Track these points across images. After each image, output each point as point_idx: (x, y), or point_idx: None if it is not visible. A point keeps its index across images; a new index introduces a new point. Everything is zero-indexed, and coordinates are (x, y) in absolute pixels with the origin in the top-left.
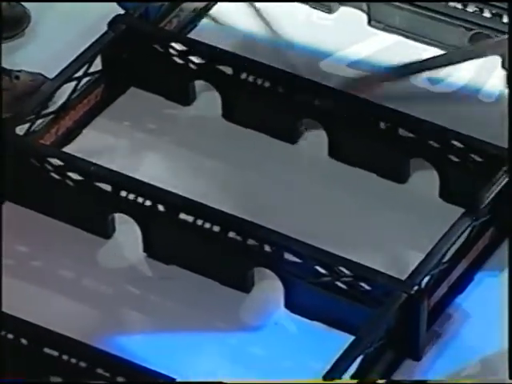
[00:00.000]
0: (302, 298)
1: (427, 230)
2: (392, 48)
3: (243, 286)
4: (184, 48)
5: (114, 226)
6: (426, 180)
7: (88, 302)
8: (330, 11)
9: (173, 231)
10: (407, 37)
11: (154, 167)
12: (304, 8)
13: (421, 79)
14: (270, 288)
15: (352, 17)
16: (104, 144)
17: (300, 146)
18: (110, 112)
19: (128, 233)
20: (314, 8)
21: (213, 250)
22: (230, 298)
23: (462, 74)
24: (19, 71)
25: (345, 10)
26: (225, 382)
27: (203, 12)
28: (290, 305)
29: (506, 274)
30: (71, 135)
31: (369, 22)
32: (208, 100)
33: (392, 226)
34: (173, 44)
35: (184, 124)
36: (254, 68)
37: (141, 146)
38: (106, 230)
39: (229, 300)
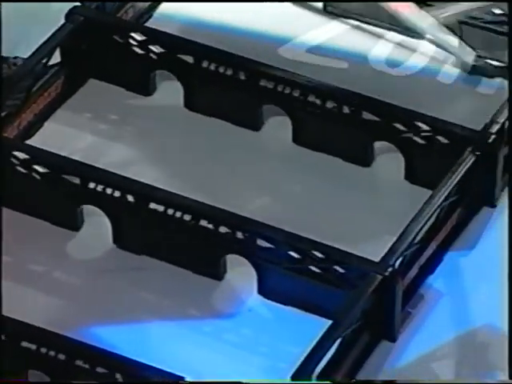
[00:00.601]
0: (275, 283)
1: (394, 212)
2: (350, 33)
3: (215, 274)
4: (144, 38)
5: (82, 218)
6: (390, 163)
7: (60, 295)
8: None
9: (143, 221)
10: (365, 22)
11: (117, 158)
12: None
13: (379, 62)
14: (242, 275)
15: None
16: (66, 136)
17: (264, 132)
18: (71, 104)
19: (97, 224)
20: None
21: (184, 239)
22: (203, 286)
23: (420, 56)
24: (15, 58)
25: None
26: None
27: (157, 3)
28: (264, 291)
29: (474, 253)
30: (33, 128)
31: (324, 8)
32: (169, 89)
33: (360, 210)
34: (132, 34)
35: (146, 114)
36: (215, 56)
37: (103, 137)
38: (74, 223)
39: (201, 288)
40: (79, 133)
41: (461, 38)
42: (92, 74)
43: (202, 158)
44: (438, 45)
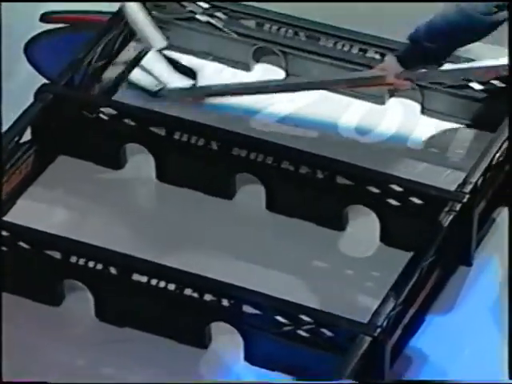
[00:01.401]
0: (262, 349)
1: (373, 273)
2: (318, 102)
3: (201, 343)
4: (114, 112)
5: (63, 293)
6: (365, 226)
7: (45, 371)
8: (247, 69)
9: (126, 293)
10: (327, 90)
11: (92, 232)
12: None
13: (349, 130)
14: (228, 342)
15: (272, 73)
16: (39, 213)
17: (237, 200)
18: (42, 181)
19: (78, 298)
20: (232, 67)
21: (169, 309)
22: (189, 354)
23: (388, 123)
24: None
25: (264, 67)
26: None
27: (124, 77)
28: (251, 357)
29: (455, 314)
30: (6, 206)
31: (287, 77)
32: (140, 162)
33: (338, 273)
34: (103, 109)
35: (118, 187)
36: (186, 127)
37: (77, 212)
38: (56, 298)
39: (187, 357)
40: (52, 209)
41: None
42: (62, 150)
43: (177, 229)
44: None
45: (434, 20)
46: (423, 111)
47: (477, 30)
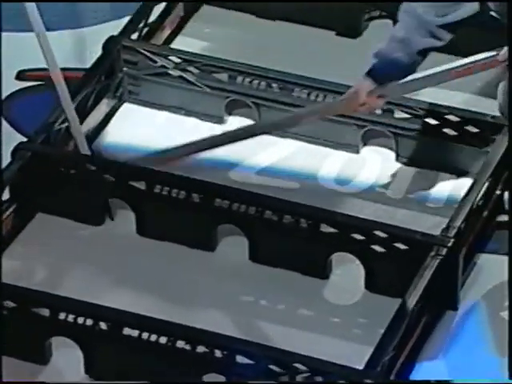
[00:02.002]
0: None
1: (359, 320)
2: (297, 153)
3: None
4: (93, 168)
5: (51, 351)
6: (349, 273)
7: None
8: (221, 122)
9: (117, 348)
10: (307, 141)
11: (74, 290)
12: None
13: (328, 180)
14: None
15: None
16: (21, 271)
17: (219, 252)
18: (22, 239)
19: (67, 355)
20: (204, 120)
21: (161, 362)
22: None
23: (366, 173)
24: None
25: (238, 120)
26: None
27: (98, 133)
28: None
29: (444, 360)
30: None
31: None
32: (119, 217)
33: (325, 321)
34: (83, 165)
35: (98, 243)
36: (167, 180)
37: (57, 269)
38: (44, 356)
39: None
40: (33, 267)
41: None
42: (40, 207)
43: (159, 284)
44: None
45: (393, 32)
46: (398, 158)
47: (434, 34)
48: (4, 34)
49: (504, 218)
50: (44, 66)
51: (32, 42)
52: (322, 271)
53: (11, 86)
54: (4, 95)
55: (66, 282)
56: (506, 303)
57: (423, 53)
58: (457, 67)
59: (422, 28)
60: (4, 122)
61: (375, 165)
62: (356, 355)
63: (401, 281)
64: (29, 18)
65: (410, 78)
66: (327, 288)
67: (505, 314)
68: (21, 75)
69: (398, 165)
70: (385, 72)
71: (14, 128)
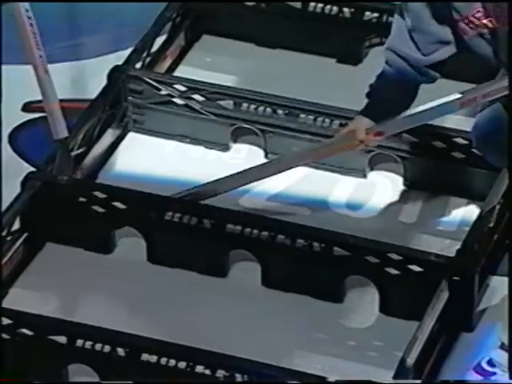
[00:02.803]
0: None
1: (375, 343)
2: (304, 180)
3: None
4: (104, 196)
5: (68, 378)
6: (362, 296)
7: None
8: (226, 149)
9: (136, 374)
10: (314, 167)
11: (86, 319)
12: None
13: (339, 206)
14: None
15: (251, 152)
16: (33, 300)
17: (231, 278)
18: (33, 268)
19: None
20: (209, 148)
21: None
22: None
23: (378, 198)
24: None
25: (242, 147)
26: None
27: (103, 162)
28: None
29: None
30: None
31: (266, 156)
32: (129, 245)
33: (340, 345)
34: (93, 193)
35: (108, 272)
36: (178, 207)
37: (69, 298)
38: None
39: None
40: (45, 296)
41: None
42: (50, 237)
43: (172, 309)
44: None
45: (383, 69)
46: (405, 183)
47: (422, 72)
48: (10, 67)
49: None
50: None
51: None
52: (336, 295)
53: (18, 117)
54: (11, 127)
55: (79, 310)
56: None
57: (415, 88)
58: (458, 98)
59: (411, 66)
60: (13, 153)
61: (385, 189)
62: (372, 378)
63: (415, 303)
64: (25, 47)
65: (408, 112)
66: (341, 311)
67: None
68: (27, 107)
69: (408, 189)
70: (379, 109)
71: (23, 159)
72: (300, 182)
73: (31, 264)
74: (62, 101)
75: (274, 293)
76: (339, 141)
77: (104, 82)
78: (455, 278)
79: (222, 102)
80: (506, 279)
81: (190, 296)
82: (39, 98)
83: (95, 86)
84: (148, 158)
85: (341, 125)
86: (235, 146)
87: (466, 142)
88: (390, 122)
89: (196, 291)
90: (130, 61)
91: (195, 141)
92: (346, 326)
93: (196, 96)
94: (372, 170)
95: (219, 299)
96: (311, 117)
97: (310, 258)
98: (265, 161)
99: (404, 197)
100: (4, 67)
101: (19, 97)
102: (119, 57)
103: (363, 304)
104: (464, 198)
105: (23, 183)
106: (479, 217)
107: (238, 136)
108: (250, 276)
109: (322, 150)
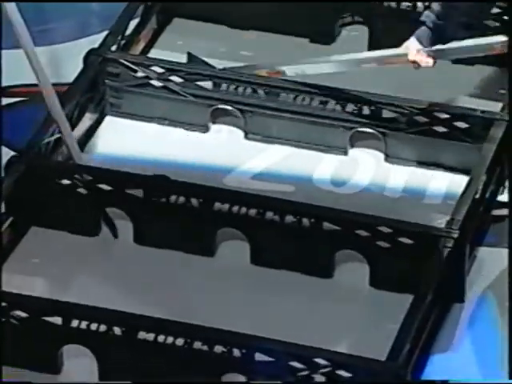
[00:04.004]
0: None
1: (366, 316)
2: (290, 157)
3: None
4: (90, 178)
5: (62, 360)
6: (352, 270)
7: None
8: (205, 130)
9: (133, 352)
10: (295, 146)
11: (77, 299)
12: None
13: (324, 182)
14: None
15: (230, 133)
16: (21, 284)
17: (220, 257)
18: (19, 253)
19: (79, 363)
20: (190, 130)
21: (179, 365)
22: None
23: (362, 174)
24: None
25: (222, 128)
26: None
27: (83, 145)
28: None
29: (457, 353)
30: None
31: (245, 136)
32: (117, 227)
33: (330, 319)
34: (77, 176)
35: (95, 254)
36: (165, 186)
37: (58, 281)
38: (55, 365)
39: None
40: (33, 280)
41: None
42: (35, 221)
43: (161, 289)
44: None
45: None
46: (388, 159)
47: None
48: None
49: (499, 212)
50: (26, 81)
51: (12, 58)
52: (326, 270)
53: None
54: None
55: (67, 292)
56: None
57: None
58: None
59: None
60: None
61: (368, 165)
62: (368, 351)
63: (406, 276)
64: (17, 34)
65: (456, 43)
66: (332, 286)
67: None
68: (4, 91)
69: (391, 164)
70: (432, 38)
71: (5, 144)
72: (283, 160)
73: (17, 248)
74: (25, 86)
75: (264, 270)
76: (393, 56)
77: (79, 66)
78: (446, 249)
79: (201, 83)
80: (492, 250)
81: (179, 275)
82: (17, 82)
83: (70, 70)
84: (127, 141)
85: (321, 102)
86: (215, 127)
87: (446, 116)
88: (440, 49)
89: (185, 271)
90: (105, 44)
91: (174, 123)
92: (337, 300)
93: (174, 77)
94: (353, 147)
95: (209, 278)
96: (291, 95)
97: (300, 234)
98: (245, 141)
99: (387, 172)
100: None
101: None
102: (91, 41)
103: (354, 278)
104: (447, 171)
105: (6, 167)
106: (466, 189)
107: (217, 116)
108: (238, 254)
109: (376, 59)
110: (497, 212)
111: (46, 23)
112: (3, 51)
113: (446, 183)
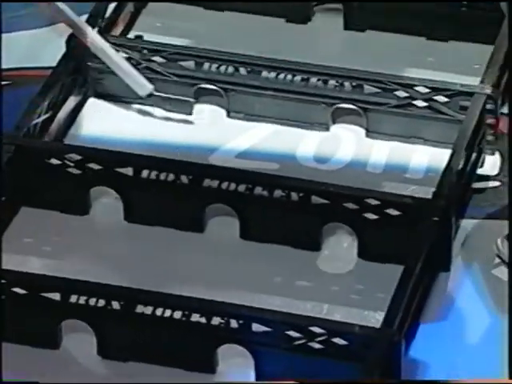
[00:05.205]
0: (274, 366)
1: (356, 287)
2: (273, 135)
3: (209, 367)
4: (78, 157)
5: (61, 335)
6: (339, 242)
7: None
8: (189, 112)
9: (132, 326)
10: (276, 123)
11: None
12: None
13: (307, 160)
14: (235, 364)
15: (213, 112)
16: (15, 263)
17: (209, 232)
18: (10, 233)
19: (77, 338)
20: (173, 111)
21: (177, 338)
22: (197, 382)
23: (344, 151)
24: None
25: (204, 107)
26: None
27: (67, 126)
28: (262, 376)
29: (446, 320)
30: None
31: (228, 114)
32: (105, 205)
33: (321, 290)
34: (68, 155)
35: (86, 232)
36: (154, 164)
37: (51, 259)
38: (55, 340)
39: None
40: (26, 258)
41: None
42: (24, 201)
43: (152, 264)
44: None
45: None
46: (369, 134)
47: None
48: None
49: (478, 185)
50: (8, 66)
51: None
52: (315, 243)
53: None
54: None
55: (61, 269)
56: (497, 261)
57: None
58: None
59: None
60: None
61: (350, 142)
62: (362, 319)
63: (393, 246)
64: None
65: None
66: (321, 259)
67: (497, 272)
68: None
69: (373, 140)
70: None
71: None
72: (265, 139)
73: (8, 229)
74: (20, 69)
75: (253, 244)
76: None
77: (61, 49)
78: (433, 219)
79: (183, 63)
80: (473, 221)
81: (169, 251)
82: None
83: (52, 53)
84: (111, 122)
85: (302, 79)
86: (197, 107)
87: (427, 90)
88: None
89: (176, 246)
90: None
91: (158, 103)
92: (327, 272)
93: (156, 58)
94: (334, 123)
95: (198, 252)
96: (273, 73)
97: (288, 208)
98: (228, 120)
99: (370, 148)
100: None
101: None
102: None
103: (341, 251)
104: (427, 145)
105: None
106: (449, 161)
107: (200, 95)
108: (227, 230)
109: None
110: (476, 185)
111: (25, 8)
112: None
113: (427, 157)
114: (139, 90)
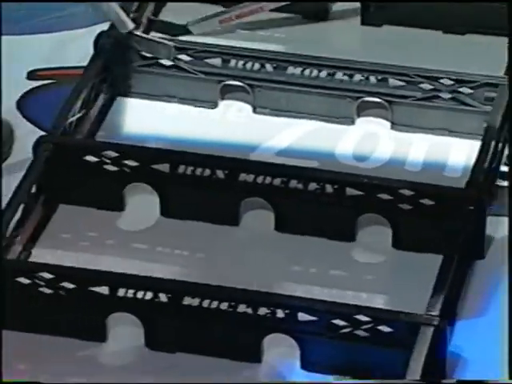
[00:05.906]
0: (320, 355)
1: (391, 276)
2: (312, 133)
3: (255, 357)
4: (116, 154)
5: (108, 328)
6: (373, 233)
7: None
8: (214, 106)
9: (179, 318)
10: (299, 118)
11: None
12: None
13: (347, 157)
14: (281, 354)
15: (239, 108)
16: (55, 258)
17: (244, 226)
18: (50, 230)
19: (125, 331)
20: (198, 107)
21: (223, 329)
22: (244, 370)
23: (383, 148)
24: None
25: (231, 104)
26: None
27: (98, 126)
28: (308, 365)
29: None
30: (23, 256)
31: (254, 110)
32: (141, 202)
33: (357, 280)
34: (104, 152)
35: (122, 231)
36: (191, 160)
37: (89, 254)
38: (102, 334)
39: (243, 372)
40: (65, 254)
41: None
42: (64, 198)
43: (188, 260)
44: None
45: None
46: (394, 126)
47: None
48: (13, 38)
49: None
50: (53, 65)
51: (39, 43)
52: (349, 234)
53: (24, 85)
54: (18, 95)
55: (100, 264)
56: None
57: None
58: None
59: None
60: (24, 120)
61: (391, 141)
62: (401, 307)
63: (427, 236)
64: None
65: None
66: (355, 249)
67: None
68: (31, 75)
69: (404, 134)
70: None
71: (34, 124)
72: (308, 135)
73: (48, 226)
74: (50, 69)
75: (287, 237)
76: None
77: (90, 50)
78: (469, 208)
79: (209, 61)
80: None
81: (205, 245)
82: (43, 66)
83: (83, 54)
84: (141, 120)
85: (328, 74)
86: (224, 103)
87: (451, 82)
88: None
89: (210, 240)
90: (113, 26)
91: (183, 100)
92: (362, 262)
93: (183, 56)
94: (359, 116)
95: (235, 245)
96: (299, 68)
97: (323, 201)
98: (254, 115)
99: (407, 145)
100: (5, 38)
101: (23, 66)
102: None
103: (376, 240)
104: (457, 137)
105: (35, 147)
106: (480, 153)
107: (226, 93)
108: (262, 223)
109: None
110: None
111: (63, 9)
112: (28, 36)
113: (463, 153)
114: (121, 27)
